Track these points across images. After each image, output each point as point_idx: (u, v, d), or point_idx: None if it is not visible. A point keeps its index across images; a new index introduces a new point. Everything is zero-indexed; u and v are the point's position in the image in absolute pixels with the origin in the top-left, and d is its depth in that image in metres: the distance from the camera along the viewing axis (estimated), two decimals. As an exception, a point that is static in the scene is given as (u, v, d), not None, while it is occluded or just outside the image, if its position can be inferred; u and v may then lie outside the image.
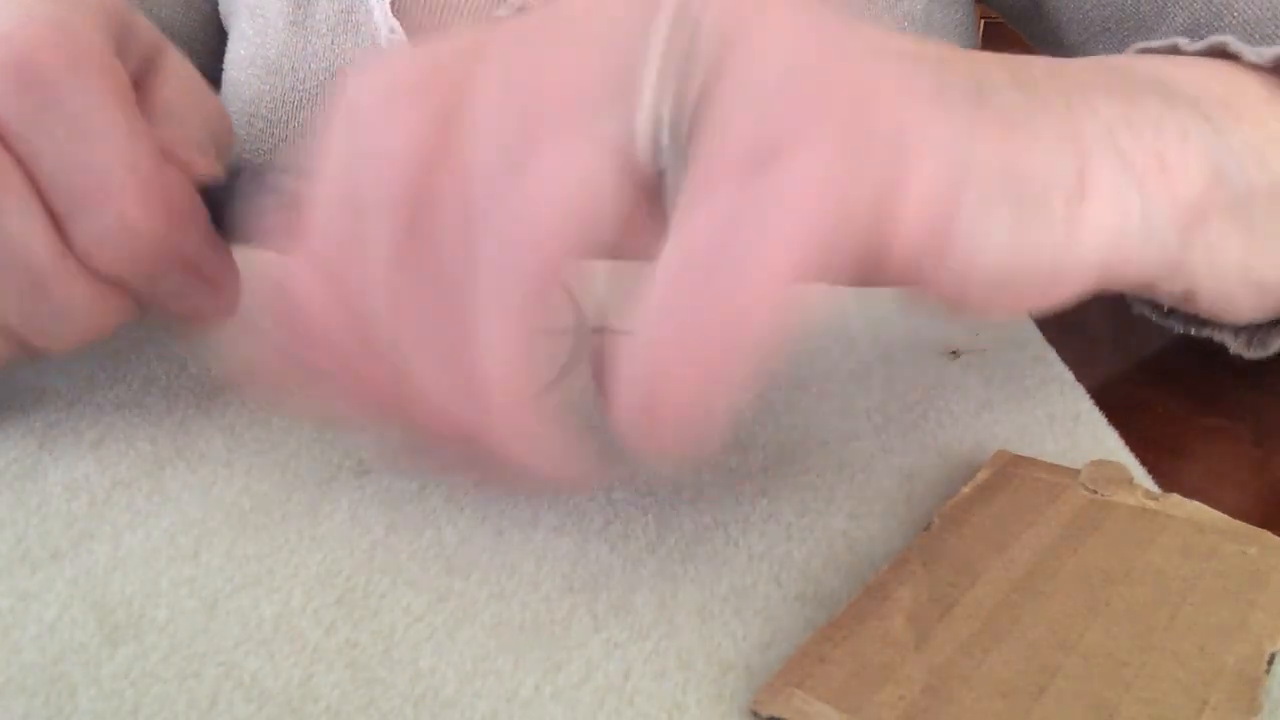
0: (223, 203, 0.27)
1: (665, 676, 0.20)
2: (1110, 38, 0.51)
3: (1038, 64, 0.26)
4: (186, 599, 0.23)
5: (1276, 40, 0.41)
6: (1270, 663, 0.20)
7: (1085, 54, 0.50)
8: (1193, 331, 0.33)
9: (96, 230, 0.25)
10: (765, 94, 0.19)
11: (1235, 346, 0.32)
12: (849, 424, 0.29)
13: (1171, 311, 0.33)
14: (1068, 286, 0.24)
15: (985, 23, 0.61)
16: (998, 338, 0.34)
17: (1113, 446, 0.28)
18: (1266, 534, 0.23)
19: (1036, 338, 0.34)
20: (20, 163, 0.25)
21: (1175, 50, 0.30)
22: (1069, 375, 0.32)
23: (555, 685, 0.20)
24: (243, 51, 0.56)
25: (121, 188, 0.25)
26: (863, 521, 0.25)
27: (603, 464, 0.21)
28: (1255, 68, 0.29)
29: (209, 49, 0.62)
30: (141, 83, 0.29)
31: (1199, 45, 0.30)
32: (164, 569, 0.24)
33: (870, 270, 0.21)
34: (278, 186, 0.26)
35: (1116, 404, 0.30)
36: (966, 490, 0.25)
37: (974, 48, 0.59)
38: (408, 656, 0.21)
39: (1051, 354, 0.33)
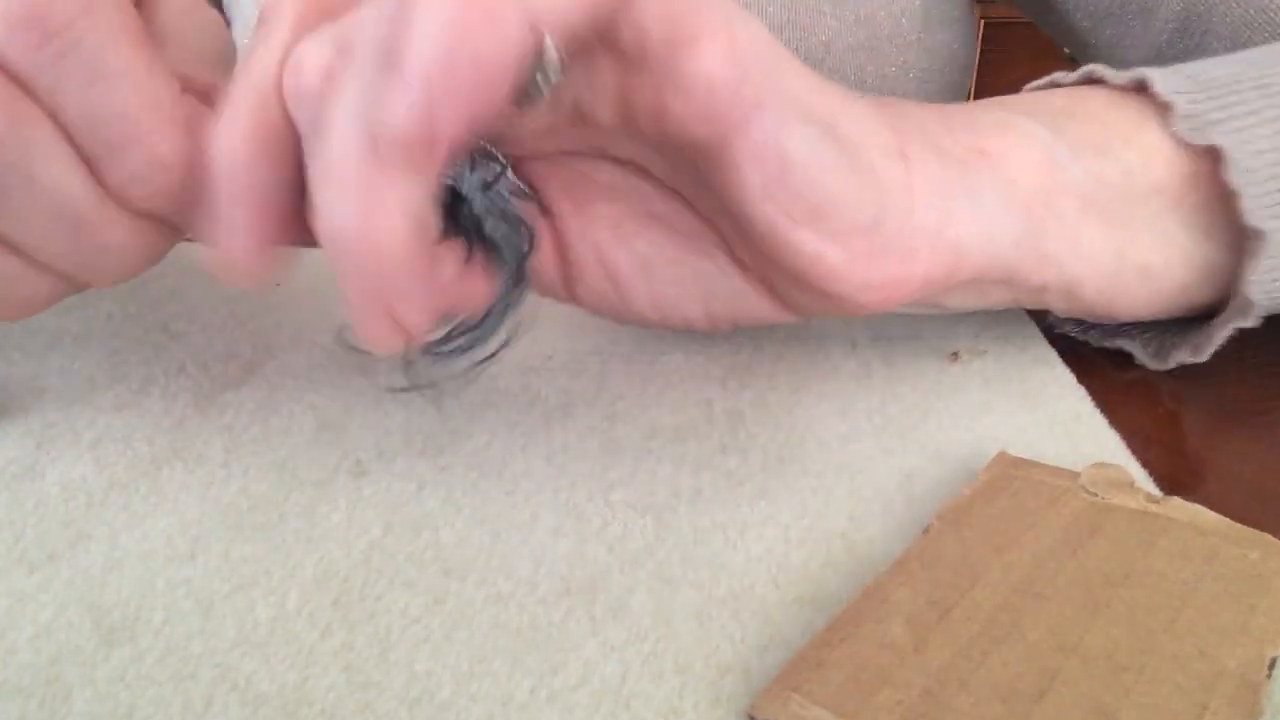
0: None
1: (662, 679, 0.20)
2: (1115, 22, 0.52)
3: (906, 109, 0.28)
4: (183, 600, 0.23)
5: (1265, 21, 0.43)
6: (1271, 667, 0.20)
7: (1095, 40, 0.52)
8: (1106, 344, 0.33)
9: (128, 169, 0.25)
10: None
11: (1141, 357, 0.33)
12: (849, 425, 0.29)
13: (1090, 326, 0.34)
14: (923, 261, 0.27)
15: (985, 22, 0.61)
16: (998, 340, 0.34)
17: (1114, 449, 0.28)
18: (1268, 537, 0.23)
19: (1038, 339, 0.34)
20: (48, 112, 0.25)
21: (1054, 84, 0.32)
22: (1070, 377, 0.32)
23: (551, 688, 0.20)
24: (247, 41, 0.57)
25: (147, 126, 0.25)
26: (862, 523, 0.25)
27: None
28: (1122, 89, 0.31)
29: None
30: (140, 4, 0.30)
31: (1073, 76, 0.32)
32: (160, 570, 0.23)
33: None
34: None
35: (1116, 405, 0.30)
36: (966, 492, 0.25)
37: (972, 42, 0.59)
38: (403, 659, 0.21)
39: (1053, 355, 0.33)
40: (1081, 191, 0.29)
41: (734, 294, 0.29)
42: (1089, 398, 0.30)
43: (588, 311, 0.30)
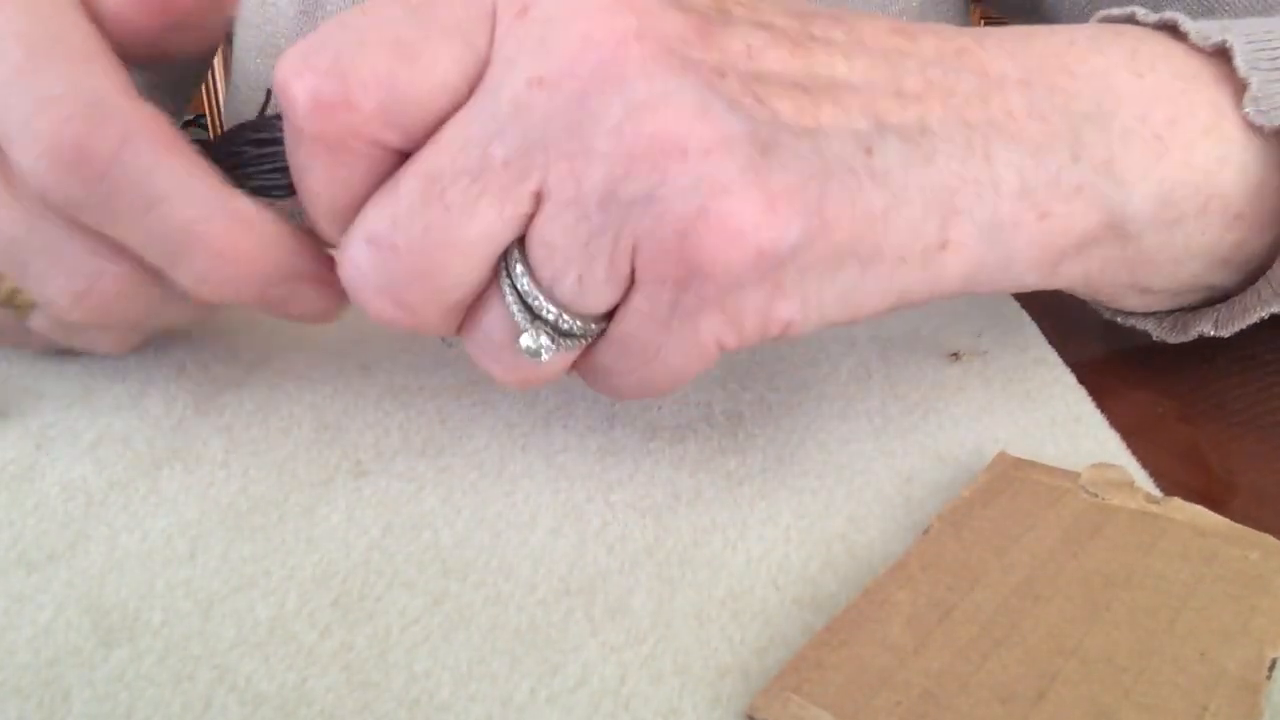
0: (232, 156, 0.27)
1: (662, 680, 0.20)
2: None
3: (968, 75, 0.26)
4: (182, 601, 0.23)
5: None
6: (1271, 669, 0.20)
7: None
8: (1118, 320, 0.33)
9: (195, 272, 0.26)
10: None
11: (1158, 334, 0.33)
12: (848, 426, 0.29)
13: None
14: (915, 302, 0.26)
15: (985, 22, 0.61)
16: (999, 340, 0.34)
17: (1114, 449, 0.28)
18: (1268, 538, 0.23)
19: (1038, 340, 0.34)
20: (110, 239, 0.26)
21: (1133, 20, 0.31)
22: (1070, 378, 0.32)
23: (551, 689, 0.20)
24: (252, 39, 0.57)
25: (207, 233, 0.25)
26: (861, 525, 0.25)
27: None
28: (1201, 50, 0.29)
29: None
30: None
31: (1153, 19, 0.30)
32: (159, 571, 0.23)
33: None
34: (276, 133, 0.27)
35: (1117, 406, 0.30)
36: (966, 493, 0.25)
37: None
38: (403, 660, 0.21)
39: (1053, 356, 0.33)
40: (1123, 239, 0.28)
41: None
42: (1089, 398, 0.30)
43: None
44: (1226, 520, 0.24)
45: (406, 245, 0.23)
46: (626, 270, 0.23)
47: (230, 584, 0.23)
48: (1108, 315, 0.33)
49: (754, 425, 0.29)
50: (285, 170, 0.25)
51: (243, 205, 0.26)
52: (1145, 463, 0.27)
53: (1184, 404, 0.31)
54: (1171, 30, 0.30)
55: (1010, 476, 0.25)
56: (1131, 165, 0.27)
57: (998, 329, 0.35)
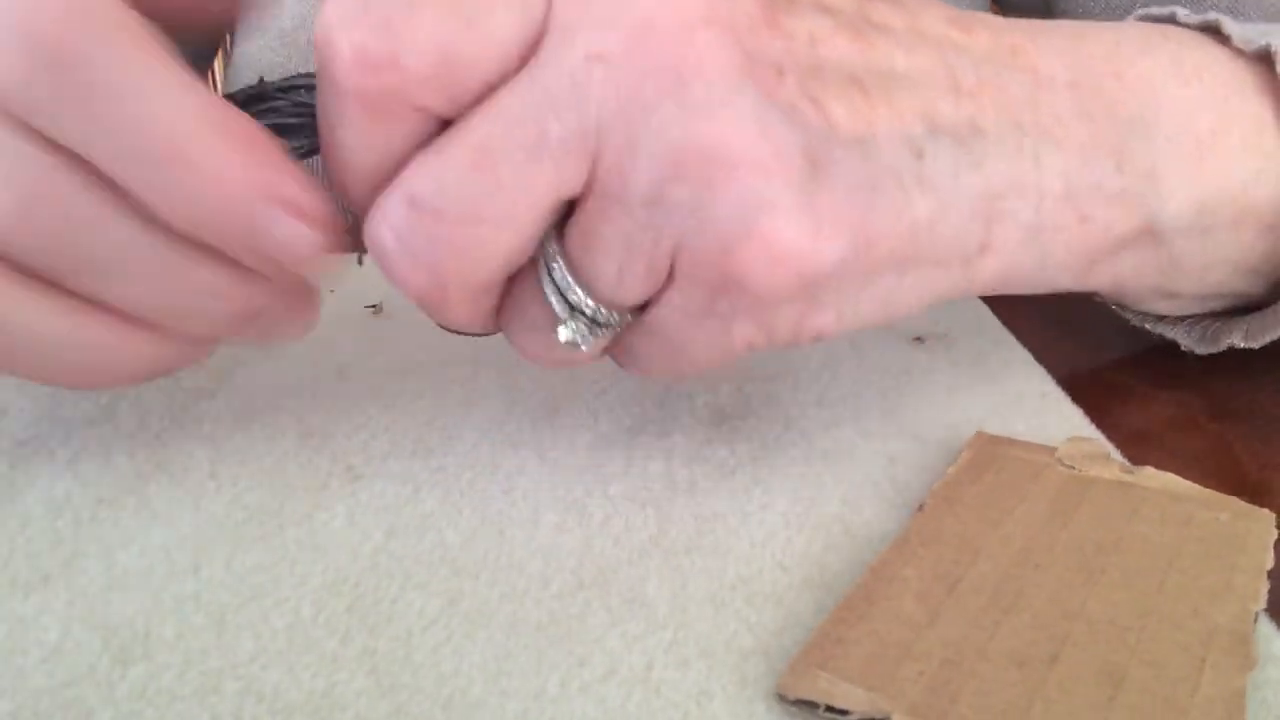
0: (250, 104, 0.26)
1: (688, 665, 0.21)
2: None
3: (1020, 74, 0.26)
4: (193, 615, 0.22)
5: None
6: (1255, 621, 0.21)
7: None
8: (1147, 326, 0.33)
9: (179, 191, 0.22)
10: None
11: (1187, 343, 0.33)
12: (828, 413, 0.30)
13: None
14: (946, 301, 0.26)
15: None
16: (956, 324, 0.35)
17: (1079, 423, 0.29)
18: (1234, 500, 0.25)
19: (993, 322, 0.36)
20: (73, 152, 0.22)
21: (1174, 20, 0.31)
22: (1028, 356, 0.33)
23: (581, 680, 0.21)
24: (254, 22, 0.56)
25: (189, 138, 0.22)
26: (855, 506, 0.26)
27: None
28: (1243, 53, 0.30)
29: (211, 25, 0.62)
30: None
31: (1195, 20, 0.30)
32: (164, 585, 0.23)
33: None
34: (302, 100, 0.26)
35: (1081, 385, 0.31)
36: (953, 471, 0.26)
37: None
38: (428, 660, 0.21)
39: (1009, 337, 0.35)
40: (1156, 246, 0.29)
41: None
42: (1049, 375, 0.32)
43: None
44: (1196, 485, 0.25)
45: (452, 213, 0.22)
46: (665, 268, 0.23)
47: (240, 595, 0.23)
48: (1135, 321, 0.33)
49: (736, 416, 0.30)
50: (309, 127, 0.24)
51: (234, 118, 0.23)
52: (1111, 438, 0.28)
53: (1143, 382, 0.32)
54: (1214, 32, 0.30)
55: (991, 453, 0.27)
56: (1172, 173, 0.28)
57: (953, 313, 0.36)
